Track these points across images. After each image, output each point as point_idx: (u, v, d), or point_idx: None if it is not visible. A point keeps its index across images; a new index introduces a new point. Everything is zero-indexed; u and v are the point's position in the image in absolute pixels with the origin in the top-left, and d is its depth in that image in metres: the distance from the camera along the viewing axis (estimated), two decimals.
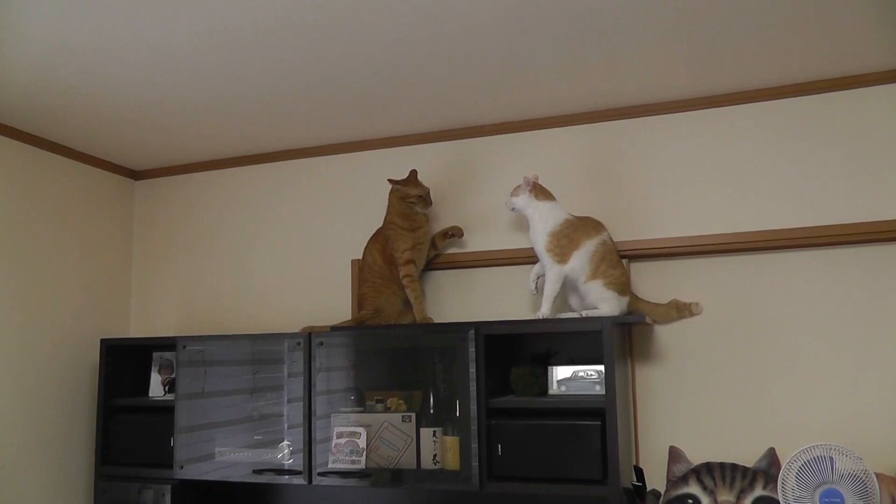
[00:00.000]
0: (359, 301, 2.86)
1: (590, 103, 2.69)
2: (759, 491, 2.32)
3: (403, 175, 2.80)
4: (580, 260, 2.46)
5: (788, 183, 2.53)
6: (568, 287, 2.54)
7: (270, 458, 2.61)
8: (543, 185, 2.58)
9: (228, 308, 3.22)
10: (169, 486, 2.72)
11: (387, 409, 2.54)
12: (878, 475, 2.18)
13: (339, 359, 2.60)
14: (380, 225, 2.85)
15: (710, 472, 2.40)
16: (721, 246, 2.56)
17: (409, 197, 2.74)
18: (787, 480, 2.23)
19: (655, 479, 2.52)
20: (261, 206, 3.23)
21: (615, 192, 2.72)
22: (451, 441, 2.42)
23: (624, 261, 2.60)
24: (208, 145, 3.10)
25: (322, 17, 2.00)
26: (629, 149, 2.72)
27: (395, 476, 2.45)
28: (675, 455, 2.48)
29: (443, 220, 2.92)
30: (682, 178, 2.65)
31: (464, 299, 2.87)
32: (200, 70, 2.33)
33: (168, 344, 2.85)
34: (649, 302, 2.62)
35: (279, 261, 3.17)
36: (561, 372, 2.48)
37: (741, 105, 2.60)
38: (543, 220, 2.52)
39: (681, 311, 2.59)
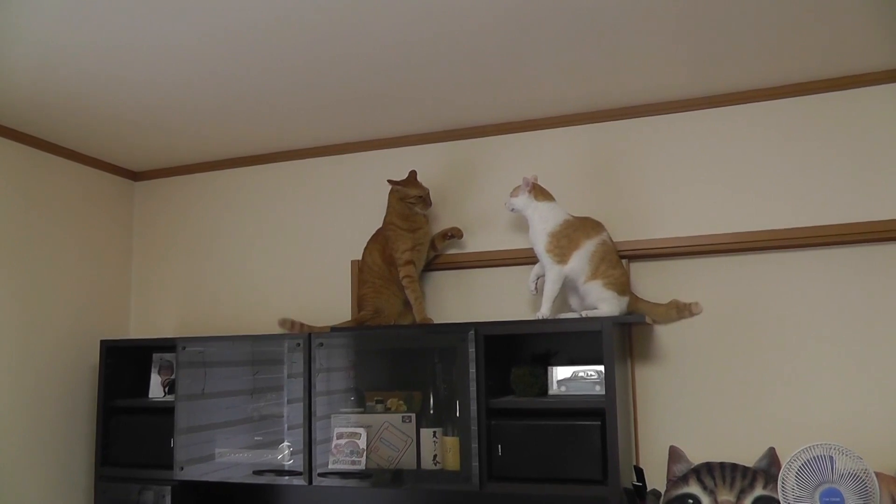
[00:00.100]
0: (358, 302, 2.86)
1: (590, 103, 2.69)
2: (759, 490, 2.32)
3: (403, 175, 2.80)
4: (580, 260, 2.46)
5: (788, 183, 2.53)
6: (568, 287, 2.54)
7: (270, 458, 2.60)
8: (543, 186, 2.58)
9: (228, 309, 3.22)
10: (169, 487, 2.72)
11: (387, 410, 2.54)
12: (878, 475, 2.18)
13: (339, 359, 2.60)
14: (379, 226, 2.85)
15: (711, 472, 2.40)
16: (721, 246, 2.56)
17: (409, 197, 2.74)
18: (787, 480, 2.23)
19: (655, 479, 2.52)
20: (261, 207, 3.23)
21: (615, 192, 2.72)
22: (452, 441, 2.42)
23: (624, 261, 2.60)
24: (208, 146, 3.10)
25: (322, 17, 2.00)
26: (629, 149, 2.72)
27: (396, 477, 2.45)
28: (675, 455, 2.48)
29: (442, 220, 2.92)
30: (682, 178, 2.65)
31: (464, 300, 2.87)
32: (201, 70, 2.33)
33: (168, 345, 2.84)
34: (649, 302, 2.62)
35: (279, 261, 3.16)
36: (561, 372, 2.48)
37: (741, 105, 2.60)
38: (543, 221, 2.52)
39: (681, 311, 2.59)
